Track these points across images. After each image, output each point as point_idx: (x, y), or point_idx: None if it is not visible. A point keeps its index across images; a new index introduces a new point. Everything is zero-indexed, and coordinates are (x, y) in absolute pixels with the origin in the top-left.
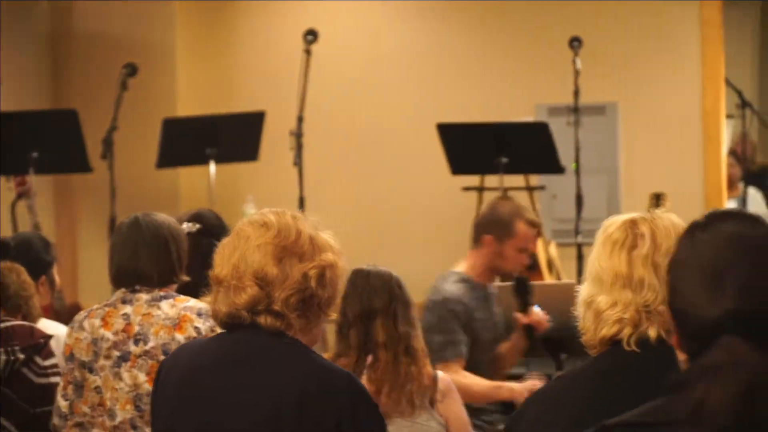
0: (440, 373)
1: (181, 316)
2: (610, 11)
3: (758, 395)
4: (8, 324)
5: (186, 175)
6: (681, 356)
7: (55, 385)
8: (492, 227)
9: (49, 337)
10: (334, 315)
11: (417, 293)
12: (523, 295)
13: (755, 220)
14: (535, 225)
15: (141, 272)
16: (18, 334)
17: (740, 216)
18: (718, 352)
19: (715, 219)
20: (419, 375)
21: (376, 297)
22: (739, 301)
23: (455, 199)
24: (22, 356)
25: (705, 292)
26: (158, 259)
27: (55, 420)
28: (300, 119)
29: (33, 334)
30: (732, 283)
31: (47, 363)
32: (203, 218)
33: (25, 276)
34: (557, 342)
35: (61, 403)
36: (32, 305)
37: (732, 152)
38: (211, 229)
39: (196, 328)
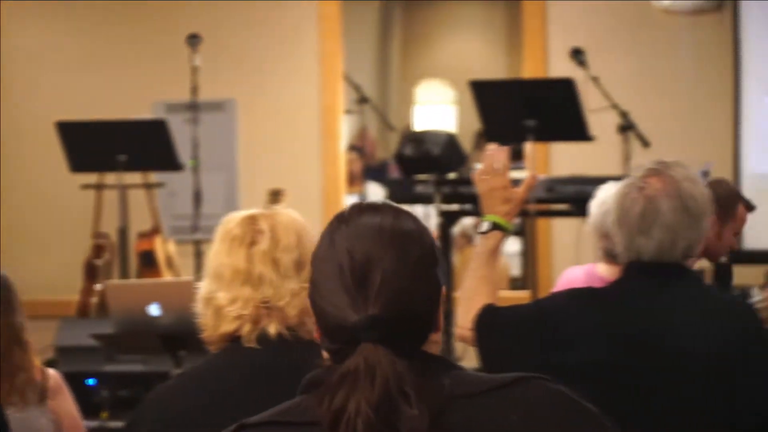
0: (51, 371)
1: None
2: (230, 7)
3: (395, 404)
4: None
5: None
6: (324, 354)
7: None
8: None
9: None
10: None
11: (35, 290)
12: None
13: (400, 212)
14: (750, 208)
15: None
16: None
17: (384, 208)
18: (357, 359)
19: (358, 211)
20: (30, 368)
21: None
22: (380, 307)
23: (74, 196)
24: None
25: (344, 293)
26: None
27: None
28: None
29: None
30: (373, 284)
31: None
32: None
33: None
34: (176, 339)
35: None
36: None
37: (353, 147)
38: None
39: None
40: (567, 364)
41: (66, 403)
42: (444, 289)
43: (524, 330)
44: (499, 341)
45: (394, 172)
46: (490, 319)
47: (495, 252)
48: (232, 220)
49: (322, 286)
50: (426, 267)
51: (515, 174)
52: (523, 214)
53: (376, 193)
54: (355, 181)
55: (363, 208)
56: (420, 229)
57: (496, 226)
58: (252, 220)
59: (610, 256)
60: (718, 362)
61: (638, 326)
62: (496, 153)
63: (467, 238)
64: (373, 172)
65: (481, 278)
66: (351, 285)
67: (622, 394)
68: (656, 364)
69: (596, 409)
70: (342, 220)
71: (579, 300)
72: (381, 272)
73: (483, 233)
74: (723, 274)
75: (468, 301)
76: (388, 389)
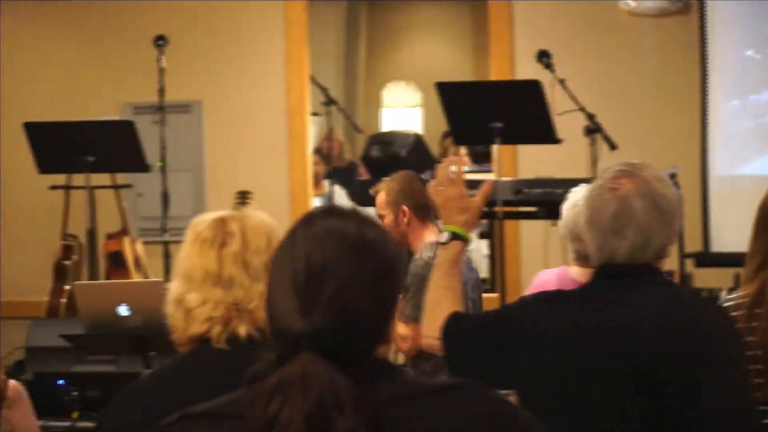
0: (12, 381)
1: None
2: (196, 9)
3: (329, 415)
4: None
5: None
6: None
7: None
8: None
9: None
10: None
11: (5, 292)
12: None
13: (365, 220)
14: None
15: None
16: None
17: (350, 214)
18: (295, 367)
19: (322, 215)
20: None
21: None
22: (326, 318)
23: (43, 197)
24: None
25: (295, 298)
26: None
27: None
28: None
29: None
30: (324, 293)
31: None
32: None
33: None
34: (145, 340)
35: None
36: None
37: (317, 150)
38: None
39: None
40: (531, 367)
41: (23, 414)
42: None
43: (488, 335)
44: (464, 348)
45: (363, 174)
46: (455, 326)
47: (456, 262)
48: (203, 221)
49: (276, 286)
50: (383, 280)
51: (481, 176)
52: (491, 216)
53: (340, 195)
54: (318, 183)
55: (328, 212)
56: (383, 239)
57: (455, 236)
58: (222, 222)
59: (582, 259)
60: (679, 364)
61: (606, 328)
62: (449, 163)
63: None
64: (340, 173)
65: (444, 288)
66: (302, 290)
67: (583, 397)
68: (619, 366)
69: (530, 417)
70: (306, 222)
71: (545, 303)
72: (334, 282)
73: (443, 244)
74: None
75: (432, 311)
76: (323, 401)
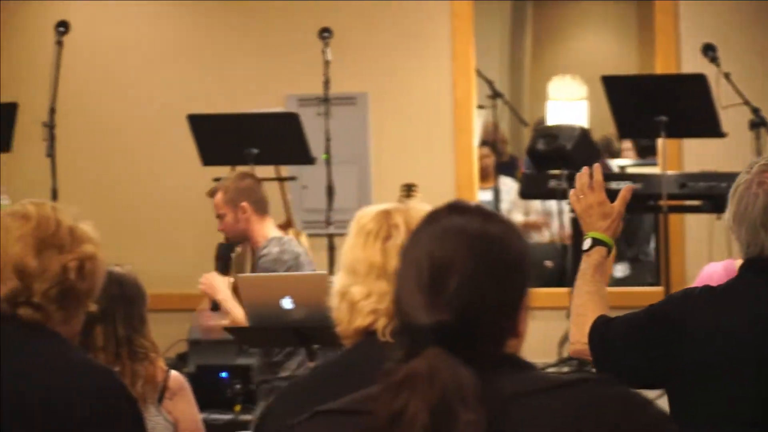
0: (173, 372)
1: None
2: (362, 2)
3: (453, 409)
4: None
5: None
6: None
7: None
8: None
9: None
10: (93, 307)
11: (167, 284)
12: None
13: (490, 215)
14: None
15: None
16: None
17: (474, 210)
18: (421, 362)
19: (447, 211)
20: (147, 373)
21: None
22: (452, 313)
23: (207, 190)
24: None
25: (420, 294)
26: None
27: None
28: (52, 110)
29: None
30: (449, 288)
31: None
32: None
33: None
34: (309, 333)
35: None
36: None
37: (485, 143)
38: None
39: None
40: (678, 365)
41: (185, 404)
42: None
43: (640, 335)
44: (612, 350)
45: (524, 168)
46: (602, 329)
47: (599, 267)
48: (367, 214)
49: (403, 283)
50: (508, 274)
51: (646, 170)
52: (656, 210)
53: (509, 188)
54: (487, 176)
55: (453, 209)
56: (508, 233)
57: (597, 242)
58: (387, 214)
59: None
60: None
61: (751, 324)
62: (589, 171)
63: None
64: (503, 167)
65: (589, 293)
66: (427, 286)
67: (734, 394)
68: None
69: (661, 411)
70: (430, 219)
71: (691, 300)
72: (458, 277)
73: (585, 251)
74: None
75: (579, 318)
76: (447, 395)
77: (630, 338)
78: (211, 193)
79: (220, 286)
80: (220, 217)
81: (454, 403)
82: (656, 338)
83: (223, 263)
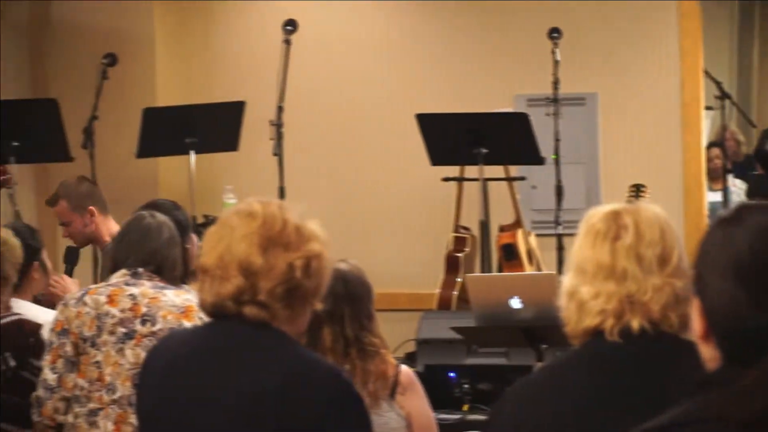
0: (403, 367)
1: (186, 306)
2: (591, 2)
3: None
4: None
5: (165, 165)
6: (707, 352)
7: None
8: None
9: (38, 333)
10: (319, 305)
11: (395, 283)
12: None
13: None
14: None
15: (147, 258)
16: (7, 336)
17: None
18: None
19: (748, 212)
20: (377, 370)
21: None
22: None
23: (435, 189)
24: (13, 364)
25: (744, 294)
26: (166, 249)
27: (40, 392)
28: (280, 109)
29: (22, 331)
30: None
31: (42, 362)
32: (161, 207)
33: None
34: (538, 332)
35: (49, 375)
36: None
37: (715, 144)
38: (173, 218)
39: (200, 318)
40: None
41: (417, 399)
42: None
43: None
44: None
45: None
46: None
47: None
48: (596, 214)
49: (713, 287)
50: None
51: None
52: None
53: (739, 189)
54: (717, 177)
55: (752, 209)
56: None
57: None
58: (616, 214)
59: None
60: None
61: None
62: None
63: None
64: (738, 168)
65: None
66: (751, 286)
67: None
68: None
69: None
70: (730, 220)
71: None
72: None
73: None
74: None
75: None
76: None
77: None
78: (52, 203)
79: (73, 287)
80: (65, 224)
81: None
82: None
83: (72, 267)
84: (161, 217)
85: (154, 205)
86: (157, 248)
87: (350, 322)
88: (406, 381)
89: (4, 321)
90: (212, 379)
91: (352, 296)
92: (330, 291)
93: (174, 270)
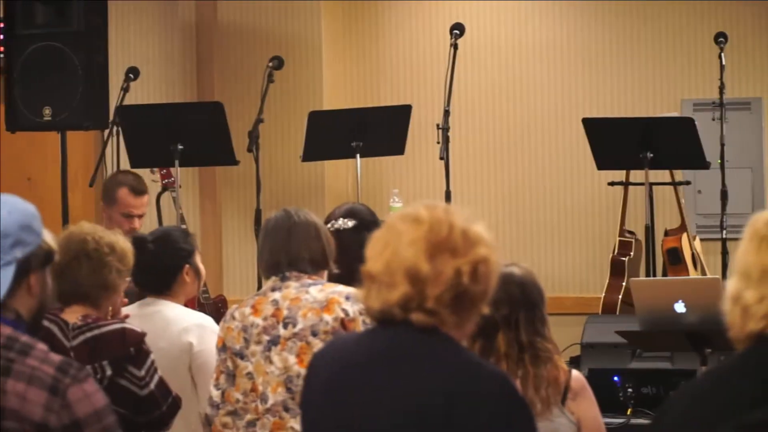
0: (575, 372)
1: (329, 299)
2: (755, 7)
3: None
4: (98, 332)
5: (331, 169)
6: None
7: (157, 390)
8: None
9: (140, 342)
10: (486, 310)
11: (560, 287)
12: None
13: None
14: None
15: (293, 257)
16: (108, 343)
17: None
18: None
19: None
20: (550, 375)
21: (494, 309)
22: None
23: (600, 194)
24: (110, 372)
25: None
26: (310, 245)
27: (208, 410)
28: (446, 113)
29: (123, 340)
30: None
31: (143, 372)
32: (358, 213)
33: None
34: (702, 337)
35: (214, 392)
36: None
37: None
38: (367, 225)
39: (344, 309)
40: None
41: (588, 404)
42: None
43: None
44: None
45: None
46: None
47: None
48: (761, 219)
49: None
50: None
51: None
52: None
53: None
54: None
55: None
56: None
57: None
58: None
59: None
60: None
61: None
62: None
63: None
64: None
65: None
66: None
67: None
68: None
69: None
70: None
71: None
72: None
73: None
74: None
75: None
76: None
77: None
78: (141, 192)
79: None
80: (141, 216)
81: None
82: None
83: None
84: (306, 211)
85: (352, 212)
86: (302, 246)
87: (525, 328)
88: (577, 386)
89: (106, 329)
90: (379, 387)
91: (528, 301)
92: (506, 296)
93: (322, 264)
